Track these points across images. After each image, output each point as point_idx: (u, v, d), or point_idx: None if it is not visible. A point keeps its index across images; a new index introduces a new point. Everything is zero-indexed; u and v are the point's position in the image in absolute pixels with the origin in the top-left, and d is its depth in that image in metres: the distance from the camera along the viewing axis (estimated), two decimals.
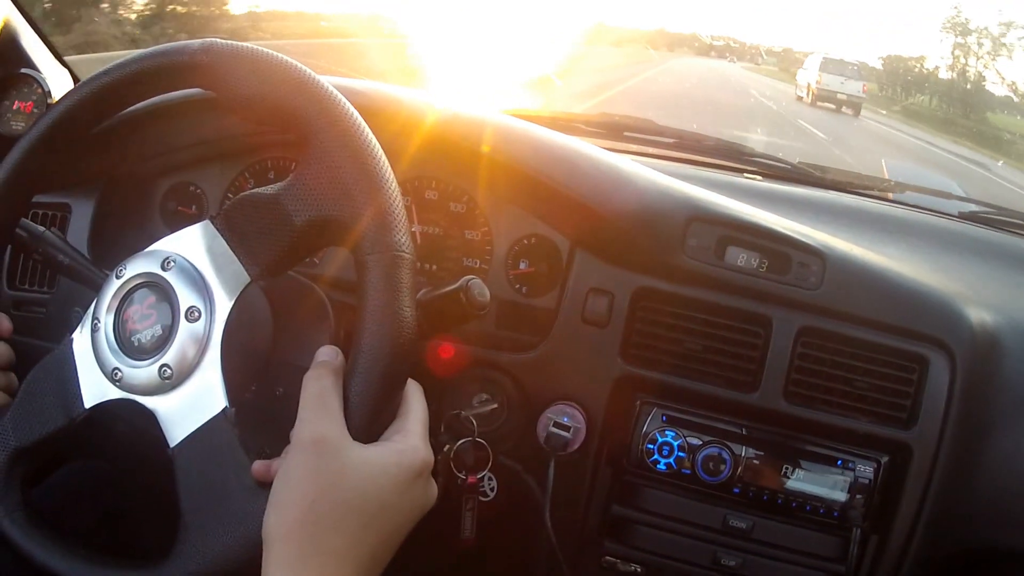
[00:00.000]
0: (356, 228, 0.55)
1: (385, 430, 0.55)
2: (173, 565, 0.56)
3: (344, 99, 0.58)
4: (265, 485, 0.54)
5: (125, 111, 0.70)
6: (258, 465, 0.55)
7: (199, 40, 0.61)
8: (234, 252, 0.59)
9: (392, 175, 0.57)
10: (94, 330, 0.62)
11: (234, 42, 0.60)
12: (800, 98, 15.73)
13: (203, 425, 0.57)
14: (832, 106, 14.50)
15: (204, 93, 0.79)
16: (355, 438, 0.52)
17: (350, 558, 0.48)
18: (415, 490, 0.53)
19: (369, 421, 0.54)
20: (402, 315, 0.55)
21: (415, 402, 0.57)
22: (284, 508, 0.49)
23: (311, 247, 0.59)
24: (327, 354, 0.56)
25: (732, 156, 1.20)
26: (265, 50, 0.59)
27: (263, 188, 0.59)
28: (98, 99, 0.66)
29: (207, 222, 0.61)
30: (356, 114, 0.58)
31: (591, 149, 0.85)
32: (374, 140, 0.57)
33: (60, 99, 0.67)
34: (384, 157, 0.57)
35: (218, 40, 0.60)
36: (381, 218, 0.55)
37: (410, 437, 0.54)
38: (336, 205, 0.56)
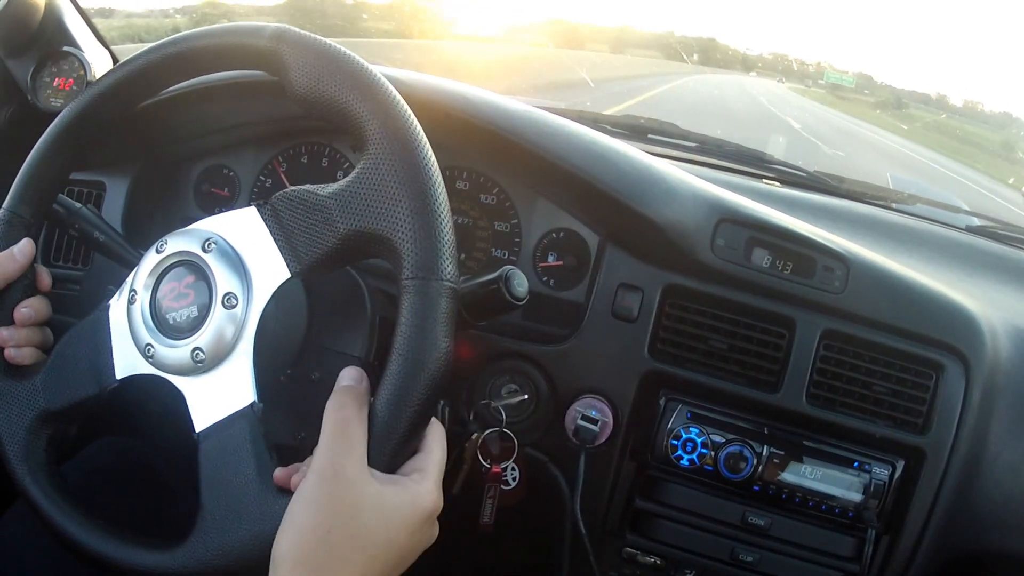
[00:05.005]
0: (399, 248, 0.53)
1: (406, 463, 0.54)
2: (187, 552, 0.55)
3: (408, 110, 0.56)
4: (284, 492, 0.53)
5: (167, 91, 0.69)
6: (279, 472, 0.55)
7: (272, 24, 0.60)
8: (277, 244, 0.58)
9: (445, 197, 0.54)
10: (131, 302, 0.61)
11: (305, 32, 0.60)
12: None
13: (229, 416, 0.56)
14: None
15: (250, 76, 0.80)
16: (375, 467, 0.52)
17: None
18: (422, 532, 0.53)
19: (392, 453, 0.53)
20: (438, 347, 0.52)
21: (436, 443, 0.56)
22: (298, 533, 0.49)
23: (353, 255, 0.57)
24: (351, 378, 0.55)
25: (752, 162, 1.22)
26: (334, 45, 0.59)
27: (315, 187, 0.57)
28: (163, 69, 0.66)
29: (254, 208, 0.59)
30: (418, 128, 0.56)
31: (626, 147, 0.86)
32: (432, 159, 0.55)
33: (124, 62, 0.66)
34: (440, 179, 0.55)
35: (291, 28, 0.60)
36: (427, 242, 0.53)
37: (427, 480, 0.54)
38: (381, 220, 0.54)
